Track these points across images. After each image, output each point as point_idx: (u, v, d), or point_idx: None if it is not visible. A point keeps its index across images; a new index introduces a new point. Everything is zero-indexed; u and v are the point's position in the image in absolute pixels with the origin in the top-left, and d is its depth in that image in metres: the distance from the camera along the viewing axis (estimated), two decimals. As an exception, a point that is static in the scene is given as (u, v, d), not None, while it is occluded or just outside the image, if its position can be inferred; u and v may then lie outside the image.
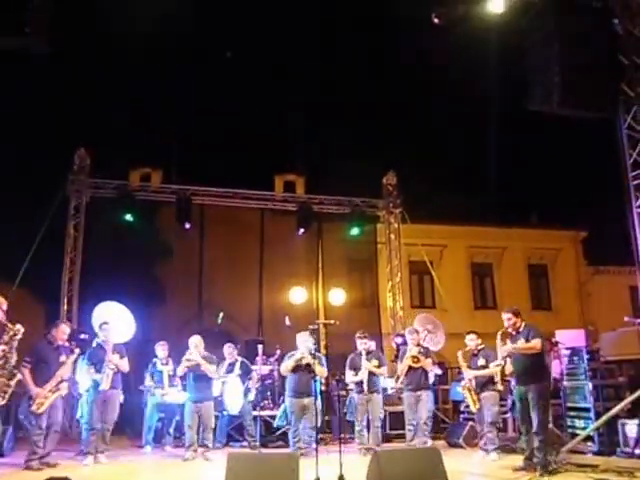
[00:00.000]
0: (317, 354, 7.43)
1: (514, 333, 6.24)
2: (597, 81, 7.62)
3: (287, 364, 7.62)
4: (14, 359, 5.81)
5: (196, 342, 7.65)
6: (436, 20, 8.18)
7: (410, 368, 7.74)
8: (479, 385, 7.39)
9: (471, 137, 19.53)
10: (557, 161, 20.79)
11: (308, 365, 7.37)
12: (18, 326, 5.75)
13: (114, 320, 7.89)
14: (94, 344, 7.54)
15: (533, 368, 5.95)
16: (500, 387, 7.15)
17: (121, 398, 7.44)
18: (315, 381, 7.23)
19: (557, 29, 7.58)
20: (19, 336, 5.76)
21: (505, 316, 6.32)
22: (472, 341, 7.60)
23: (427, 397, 7.71)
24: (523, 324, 6.25)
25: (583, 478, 5.47)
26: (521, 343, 6.07)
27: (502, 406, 7.89)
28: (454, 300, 13.84)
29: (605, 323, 10.68)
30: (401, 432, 8.88)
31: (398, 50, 17.29)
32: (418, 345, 7.98)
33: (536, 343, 5.94)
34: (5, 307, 5.70)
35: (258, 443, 8.05)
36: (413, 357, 7.75)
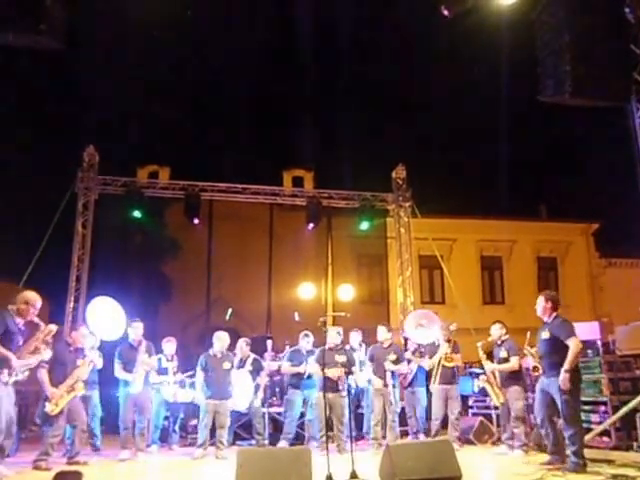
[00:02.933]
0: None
1: (544, 320, 5.93)
2: (609, 70, 7.52)
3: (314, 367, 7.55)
4: (48, 355, 5.85)
5: (221, 337, 7.59)
6: (445, 12, 8.06)
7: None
8: (503, 378, 7.19)
9: (480, 130, 19.39)
10: (567, 152, 20.62)
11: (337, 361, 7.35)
12: (52, 326, 5.81)
13: (108, 315, 7.84)
14: (89, 343, 7.43)
15: (557, 359, 5.62)
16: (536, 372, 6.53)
17: (152, 395, 7.47)
18: (345, 374, 7.20)
19: (567, 19, 7.48)
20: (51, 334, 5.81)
21: (539, 299, 5.98)
22: (496, 331, 7.31)
23: (456, 392, 7.69)
24: (554, 314, 5.86)
25: (599, 474, 5.29)
26: (544, 335, 5.82)
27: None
28: (463, 295, 13.74)
29: (618, 317, 10.52)
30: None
31: (407, 44, 17.17)
32: (449, 341, 7.91)
33: (574, 347, 5.56)
34: (39, 305, 5.71)
35: (267, 441, 8.01)
36: (447, 357, 7.72)
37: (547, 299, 5.92)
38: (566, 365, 5.48)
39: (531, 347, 6.28)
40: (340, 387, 7.29)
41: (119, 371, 7.16)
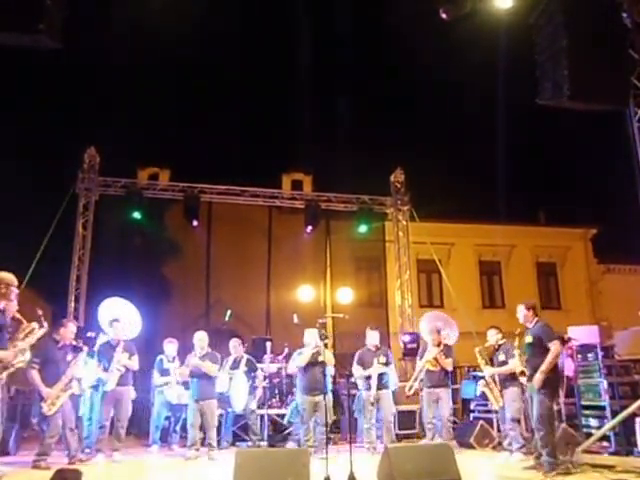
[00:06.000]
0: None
1: (527, 326, 6.15)
2: (607, 74, 7.54)
3: (303, 357, 7.49)
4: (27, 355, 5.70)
5: (200, 337, 7.61)
6: (444, 15, 8.08)
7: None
8: (501, 381, 7.25)
9: (479, 134, 19.44)
10: (565, 157, 20.67)
11: (321, 362, 7.25)
12: (34, 324, 5.60)
13: (122, 316, 7.85)
14: (101, 341, 7.52)
15: (539, 362, 5.78)
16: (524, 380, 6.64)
17: (132, 394, 7.41)
18: (325, 376, 7.19)
19: (565, 24, 7.51)
20: (37, 334, 5.59)
21: (519, 308, 6.25)
22: (493, 336, 7.45)
23: (447, 395, 7.67)
24: (535, 320, 6.12)
25: (599, 479, 5.31)
26: (528, 340, 5.99)
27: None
28: (462, 299, 13.73)
29: (617, 322, 10.53)
30: (411, 432, 8.80)
31: (405, 47, 17.21)
32: (439, 345, 7.87)
33: (553, 351, 5.76)
34: (16, 283, 5.50)
35: (265, 442, 8.00)
36: (430, 361, 7.71)
37: (528, 307, 6.21)
38: (542, 366, 5.69)
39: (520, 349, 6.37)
40: (324, 389, 7.25)
41: (96, 369, 7.13)
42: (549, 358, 5.71)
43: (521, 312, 6.21)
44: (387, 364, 7.77)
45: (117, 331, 7.34)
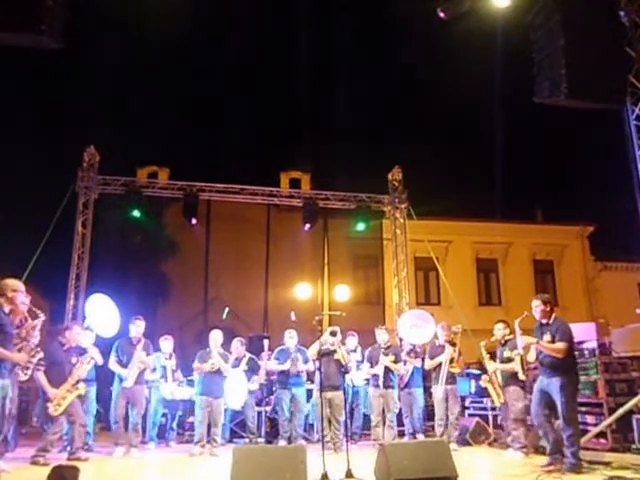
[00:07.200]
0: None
1: (543, 322, 5.94)
2: (604, 73, 7.57)
3: (311, 350, 7.51)
4: (37, 339, 5.74)
5: (215, 337, 7.63)
6: (442, 14, 8.10)
7: (440, 363, 7.72)
8: (504, 378, 7.13)
9: (476, 133, 19.48)
10: (563, 156, 20.72)
11: (337, 359, 7.37)
12: (35, 321, 5.68)
13: (105, 312, 7.91)
14: (87, 338, 7.52)
15: (559, 360, 5.67)
16: (523, 377, 6.67)
17: (146, 392, 7.53)
18: (342, 373, 7.30)
19: (562, 23, 7.53)
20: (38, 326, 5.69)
21: (535, 303, 5.99)
22: (499, 330, 7.26)
23: (456, 392, 7.70)
24: (554, 316, 5.93)
25: (596, 475, 5.30)
26: (546, 338, 5.79)
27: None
28: (459, 296, 13.79)
29: (614, 319, 10.56)
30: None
31: (402, 46, 17.25)
32: (454, 345, 7.80)
33: (561, 348, 5.64)
34: (24, 289, 5.54)
35: (262, 439, 8.04)
36: (453, 364, 7.65)
37: (545, 302, 5.96)
38: (544, 346, 5.68)
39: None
40: (339, 385, 7.32)
41: (113, 364, 7.22)
42: (554, 346, 5.62)
43: (538, 307, 5.93)
44: (396, 362, 7.86)
45: (139, 329, 7.39)
